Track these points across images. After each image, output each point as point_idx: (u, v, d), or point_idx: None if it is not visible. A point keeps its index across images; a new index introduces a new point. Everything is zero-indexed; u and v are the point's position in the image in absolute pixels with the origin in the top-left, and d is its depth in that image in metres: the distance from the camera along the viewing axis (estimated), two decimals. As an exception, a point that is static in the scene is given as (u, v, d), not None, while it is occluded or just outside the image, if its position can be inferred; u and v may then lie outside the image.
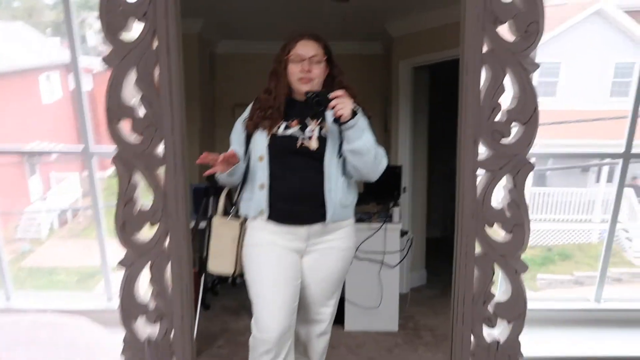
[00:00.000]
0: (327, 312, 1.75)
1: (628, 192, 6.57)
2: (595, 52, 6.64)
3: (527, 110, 1.21)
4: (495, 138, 1.22)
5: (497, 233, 1.31)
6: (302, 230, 1.61)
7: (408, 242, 2.42)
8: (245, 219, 1.64)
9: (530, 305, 2.15)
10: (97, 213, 2.11)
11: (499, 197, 1.32)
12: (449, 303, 1.42)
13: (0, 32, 6.69)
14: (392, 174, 2.45)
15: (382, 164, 1.61)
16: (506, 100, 1.27)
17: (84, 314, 1.85)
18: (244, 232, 1.64)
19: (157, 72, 1.20)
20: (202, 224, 2.40)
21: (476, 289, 1.28)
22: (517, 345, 1.30)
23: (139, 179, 1.23)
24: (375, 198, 2.42)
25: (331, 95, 1.49)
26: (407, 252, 2.43)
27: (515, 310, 1.29)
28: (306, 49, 1.56)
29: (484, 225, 1.26)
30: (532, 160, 1.28)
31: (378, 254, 2.39)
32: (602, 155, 2.46)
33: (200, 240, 2.48)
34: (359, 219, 2.24)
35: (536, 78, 7.45)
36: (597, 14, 6.70)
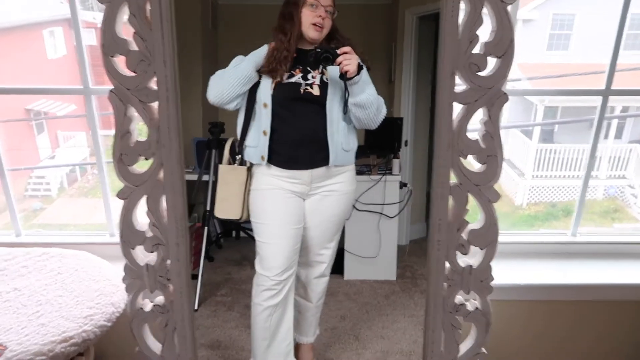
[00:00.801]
0: (326, 254, 1.85)
1: (635, 148, 6.51)
2: (610, 3, 6.44)
3: (503, 43, 1.22)
4: (472, 70, 1.24)
5: (472, 165, 1.35)
6: (305, 174, 1.68)
7: (407, 194, 2.45)
8: (252, 165, 1.70)
9: (509, 238, 2.24)
10: (97, 144, 2.16)
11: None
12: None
13: (0, -14, 6.58)
14: (393, 126, 2.45)
15: (382, 113, 1.68)
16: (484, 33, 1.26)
17: (88, 248, 1.96)
18: (250, 178, 1.71)
19: (148, 7, 1.21)
20: (205, 177, 2.44)
21: (451, 217, 1.33)
22: (489, 270, 1.38)
23: (134, 113, 1.27)
24: (376, 150, 2.44)
25: (339, 51, 1.54)
26: (406, 204, 2.46)
27: (488, 238, 1.35)
28: None
29: (459, 156, 1.29)
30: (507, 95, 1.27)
31: (377, 205, 2.43)
32: (579, 93, 2.42)
33: (204, 193, 2.52)
34: (359, 172, 2.26)
35: (549, 31, 7.25)
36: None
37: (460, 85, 1.26)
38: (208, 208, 2.42)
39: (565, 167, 6.41)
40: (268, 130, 1.62)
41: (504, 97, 1.25)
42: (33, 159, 6.74)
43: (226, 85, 1.59)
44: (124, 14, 1.22)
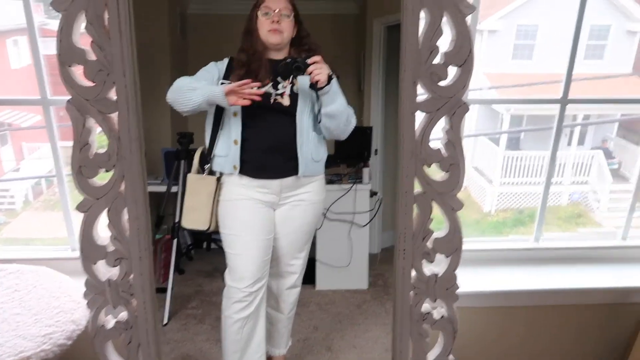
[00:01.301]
0: (297, 264, 1.84)
1: (597, 154, 6.73)
2: (572, 15, 6.67)
3: (462, 53, 1.25)
4: (433, 80, 1.26)
5: (437, 173, 1.37)
6: (275, 184, 1.67)
7: (377, 202, 2.46)
8: (221, 175, 1.68)
9: (473, 245, 2.28)
10: (57, 156, 2.09)
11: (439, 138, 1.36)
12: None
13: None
14: (363, 134, 2.46)
15: (352, 124, 1.69)
16: (446, 43, 1.29)
17: (49, 264, 1.89)
18: (219, 188, 1.69)
19: (106, 15, 1.18)
20: (174, 188, 2.40)
21: (416, 226, 1.34)
22: (454, 278, 1.39)
23: (93, 125, 1.24)
24: (346, 159, 2.44)
25: (309, 60, 1.54)
26: (377, 212, 2.47)
27: (452, 245, 1.37)
28: (274, 2, 1.60)
29: (423, 165, 1.31)
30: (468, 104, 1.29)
31: (348, 214, 2.43)
32: (540, 101, 2.51)
33: (173, 204, 2.48)
34: (329, 181, 2.26)
35: (513, 41, 7.46)
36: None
37: (422, 95, 1.28)
38: (177, 220, 2.38)
39: (531, 173, 6.57)
40: (239, 140, 1.61)
41: (464, 107, 1.28)
42: (-5, 170, 6.52)
43: (179, 101, 1.57)
44: (81, 23, 1.19)
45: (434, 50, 1.24)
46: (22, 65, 7.10)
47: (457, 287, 1.39)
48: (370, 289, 2.52)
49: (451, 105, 1.28)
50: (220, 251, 2.11)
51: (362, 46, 2.70)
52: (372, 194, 2.46)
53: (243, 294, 1.66)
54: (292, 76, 1.62)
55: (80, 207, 1.27)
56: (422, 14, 1.26)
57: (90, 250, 1.29)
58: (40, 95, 2.02)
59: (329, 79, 1.55)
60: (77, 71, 1.24)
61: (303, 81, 1.60)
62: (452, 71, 1.30)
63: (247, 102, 1.52)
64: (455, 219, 1.34)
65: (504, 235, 5.67)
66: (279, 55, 1.63)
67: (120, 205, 1.27)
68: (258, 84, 1.53)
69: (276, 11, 1.58)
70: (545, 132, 6.62)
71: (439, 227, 1.38)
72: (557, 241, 2.40)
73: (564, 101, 2.16)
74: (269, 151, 1.64)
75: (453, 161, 1.30)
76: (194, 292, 2.48)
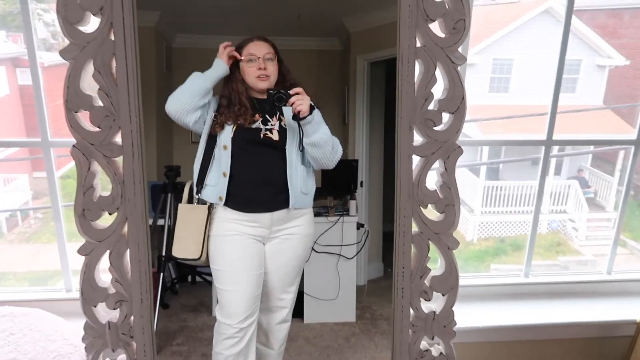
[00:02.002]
0: (287, 298, 1.85)
1: (573, 183, 6.90)
2: (545, 49, 6.94)
3: (455, 100, 1.32)
4: (428, 125, 1.32)
5: (433, 213, 1.40)
6: (265, 217, 1.69)
7: (364, 234, 2.48)
8: (211, 205, 1.69)
9: (465, 281, 2.31)
10: (55, 196, 2.06)
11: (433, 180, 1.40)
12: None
13: (-60, 25, 6.34)
14: (348, 167, 2.49)
15: (338, 152, 1.74)
16: (439, 90, 1.35)
17: (42, 305, 1.84)
18: (210, 222, 1.69)
19: (114, 64, 1.22)
20: (160, 221, 2.37)
21: (414, 265, 1.37)
22: (451, 315, 1.41)
23: (97, 168, 1.24)
24: (333, 192, 2.46)
25: (291, 91, 1.60)
26: (363, 245, 2.48)
27: (449, 284, 1.39)
28: (258, 47, 1.66)
29: (419, 206, 1.34)
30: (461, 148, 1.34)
31: (335, 247, 2.43)
32: (526, 142, 2.62)
33: (159, 238, 2.45)
34: (317, 213, 2.27)
35: (489, 74, 7.70)
36: (547, 13, 7.00)
37: (417, 139, 1.33)
38: (163, 253, 2.35)
39: (511, 203, 6.69)
40: (228, 172, 1.63)
41: (458, 150, 1.33)
42: (-33, 202, 6.34)
43: (185, 101, 1.59)
44: (89, 70, 1.21)
45: (429, 97, 1.31)
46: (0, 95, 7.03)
47: (455, 324, 1.41)
48: (358, 321, 2.51)
49: (446, 149, 1.33)
50: (206, 284, 2.09)
51: (346, 81, 2.76)
52: (359, 226, 2.48)
53: (234, 330, 1.65)
54: (277, 114, 1.67)
55: (81, 250, 1.26)
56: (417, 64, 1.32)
57: (91, 293, 1.27)
58: (41, 137, 2.01)
59: (311, 109, 1.59)
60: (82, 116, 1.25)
61: (288, 113, 1.65)
62: (446, 116, 1.35)
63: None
64: (451, 258, 1.37)
65: (486, 264, 5.72)
66: (263, 94, 1.66)
67: (123, 247, 1.27)
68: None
69: (261, 57, 1.63)
70: (524, 162, 6.77)
71: (432, 265, 1.40)
72: (546, 276, 2.44)
73: (548, 142, 2.25)
74: (259, 185, 1.66)
75: (448, 202, 1.35)
76: (179, 327, 2.42)
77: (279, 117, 1.67)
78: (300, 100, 1.58)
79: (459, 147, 1.34)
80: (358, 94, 2.69)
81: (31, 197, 7.25)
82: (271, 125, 1.67)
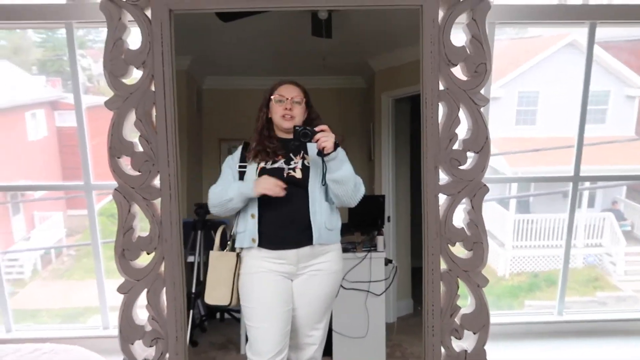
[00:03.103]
0: (316, 335, 1.83)
1: (608, 216, 6.69)
2: (571, 81, 6.90)
3: (479, 140, 1.33)
4: (453, 165, 1.33)
5: (461, 251, 1.39)
6: (291, 254, 1.70)
7: (392, 270, 2.45)
8: (241, 250, 1.73)
9: (497, 319, 2.23)
10: (95, 237, 2.13)
11: (460, 218, 1.40)
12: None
13: (-15, 70, 6.76)
14: (375, 203, 2.49)
15: (360, 191, 1.76)
16: (463, 130, 1.37)
17: (81, 343, 1.87)
18: (240, 263, 1.73)
19: (154, 112, 1.29)
20: (190, 258, 2.41)
21: (443, 303, 1.35)
22: (483, 354, 1.38)
23: (137, 210, 1.29)
24: (360, 228, 2.46)
25: (317, 128, 1.64)
26: (392, 281, 2.45)
27: (480, 322, 1.37)
28: (288, 90, 1.74)
29: (447, 244, 1.34)
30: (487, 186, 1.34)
31: (364, 283, 2.41)
32: (553, 179, 2.57)
33: (189, 275, 2.48)
34: (344, 249, 2.27)
35: (515, 107, 7.66)
36: (571, 45, 7.00)
37: (443, 178, 1.34)
38: (193, 290, 2.37)
39: (543, 236, 6.51)
40: (256, 214, 1.68)
41: (484, 188, 1.33)
42: (7, 240, 6.56)
43: (225, 212, 1.69)
44: (131, 119, 1.28)
45: (453, 137, 1.33)
46: (38, 137, 7.36)
47: None
48: (388, 360, 2.45)
49: (472, 187, 1.34)
50: (234, 322, 2.09)
51: (371, 118, 2.80)
52: (387, 262, 2.46)
53: None
54: (301, 152, 1.71)
55: (121, 289, 1.30)
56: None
57: (129, 331, 1.31)
58: (84, 180, 2.09)
59: (336, 146, 1.63)
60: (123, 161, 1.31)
61: (313, 150, 1.69)
62: (471, 155, 1.36)
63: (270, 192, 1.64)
64: (481, 296, 1.35)
65: (519, 300, 5.54)
66: (288, 134, 1.72)
67: (160, 286, 1.31)
68: (283, 185, 1.64)
69: (289, 99, 1.71)
70: (554, 194, 6.63)
71: (461, 303, 1.38)
72: (581, 314, 2.35)
73: (575, 179, 2.21)
74: (285, 223, 1.70)
75: (476, 240, 1.34)
76: (208, 365, 2.41)
77: (302, 155, 1.72)
78: (326, 137, 1.63)
79: (485, 185, 1.35)
80: (383, 131, 2.72)
81: (65, 234, 7.46)
82: (294, 164, 1.72)
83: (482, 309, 1.36)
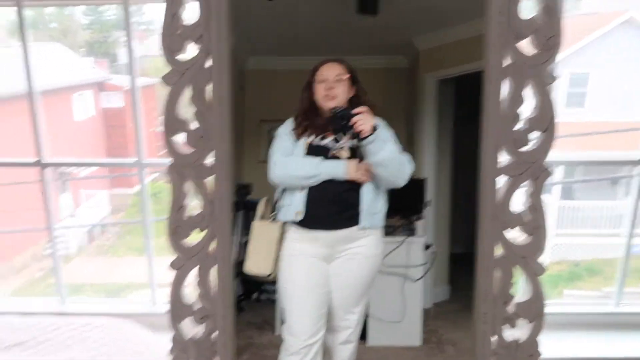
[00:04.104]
0: (352, 319, 1.81)
1: (663, 204, 6.36)
2: (625, 62, 6.54)
3: (545, 120, 1.27)
4: (515, 145, 1.27)
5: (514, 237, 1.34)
6: (328, 236, 1.69)
7: (432, 255, 2.41)
8: (285, 223, 1.72)
9: (551, 309, 2.16)
10: (146, 215, 2.20)
11: (516, 202, 1.35)
12: (472, 318, 1.43)
13: (38, 53, 6.99)
14: (416, 186, 2.45)
15: (407, 169, 1.70)
16: (525, 110, 1.30)
17: (132, 318, 1.94)
18: (283, 234, 1.73)
19: (208, 89, 1.29)
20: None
21: (497, 290, 1.31)
22: (536, 344, 1.34)
23: (189, 188, 1.32)
24: (399, 211, 2.42)
25: (354, 111, 1.60)
26: (431, 266, 2.41)
27: (535, 310, 1.33)
28: (329, 70, 1.69)
29: (504, 228, 1.29)
30: (552, 168, 1.30)
31: (401, 267, 2.38)
32: (619, 163, 2.44)
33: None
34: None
35: (565, 89, 7.34)
36: (628, 23, 6.61)
37: (503, 160, 1.29)
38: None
39: (587, 224, 6.28)
40: (306, 189, 1.66)
41: (547, 172, 1.28)
42: (55, 217, 6.83)
43: (293, 183, 1.67)
44: (185, 96, 1.30)
45: (516, 117, 1.27)
46: (86, 117, 7.60)
47: (540, 354, 1.33)
48: (424, 345, 2.43)
49: (534, 170, 1.28)
50: (270, 302, 2.11)
51: (413, 99, 2.74)
52: (426, 247, 2.42)
53: (299, 346, 1.67)
54: (346, 132, 1.65)
55: (173, 265, 1.34)
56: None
57: (178, 309, 1.34)
58: (137, 158, 2.15)
59: (374, 129, 1.59)
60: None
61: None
62: (533, 136, 1.31)
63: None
64: (538, 284, 1.31)
65: (559, 289, 5.39)
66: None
67: (210, 264, 1.33)
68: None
69: (330, 78, 1.67)
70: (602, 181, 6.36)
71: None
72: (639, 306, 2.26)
73: None
74: (328, 202, 1.68)
75: (536, 224, 1.29)
76: (246, 344, 2.46)
77: (352, 135, 1.66)
78: (362, 121, 1.58)
79: (548, 168, 1.29)
80: (427, 112, 2.65)
81: (109, 212, 7.73)
82: (342, 143, 1.69)
83: (538, 297, 1.32)
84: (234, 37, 2.04)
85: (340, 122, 1.61)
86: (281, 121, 1.81)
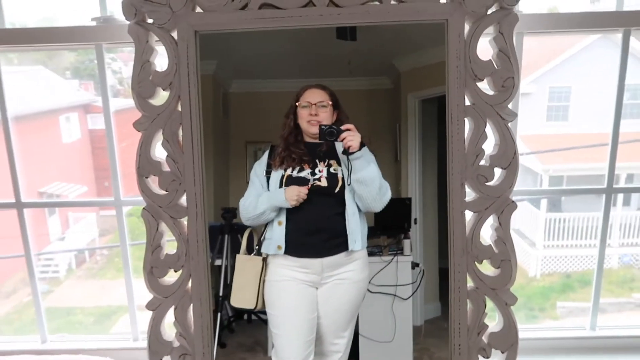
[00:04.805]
0: (341, 343, 1.82)
1: (645, 214, 6.46)
2: (605, 75, 6.67)
3: (507, 156, 1.30)
4: (480, 181, 1.30)
5: (488, 268, 1.35)
6: (316, 263, 1.70)
7: (420, 274, 2.42)
8: (267, 256, 1.72)
9: (526, 334, 2.17)
10: (126, 256, 2.18)
11: (487, 235, 1.37)
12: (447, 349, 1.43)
13: (22, 76, 6.98)
14: (402, 205, 2.46)
15: (387, 195, 1.73)
16: (488, 146, 1.33)
17: (112, 354, 1.92)
18: (265, 268, 1.73)
19: (180, 132, 1.31)
20: (218, 261, 2.43)
21: (470, 321, 1.32)
22: None
23: (165, 228, 1.32)
24: (386, 231, 2.43)
25: (343, 127, 1.64)
26: (419, 284, 2.42)
27: (508, 341, 1.34)
28: (313, 95, 1.72)
29: (474, 261, 1.31)
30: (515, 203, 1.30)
31: (390, 287, 2.39)
32: (585, 191, 2.46)
33: (216, 278, 2.50)
34: (370, 253, 2.25)
35: (547, 103, 7.46)
36: (605, 38, 6.76)
37: (470, 194, 1.31)
38: (220, 293, 2.39)
39: (575, 236, 6.34)
40: (283, 220, 1.68)
41: (512, 205, 1.30)
42: (43, 241, 6.77)
43: (258, 224, 1.71)
44: (158, 139, 1.31)
45: (480, 153, 1.30)
46: (72, 139, 7.57)
47: None
48: (416, 365, 2.43)
49: (499, 204, 1.31)
50: (261, 323, 2.10)
51: (397, 118, 2.76)
52: (414, 265, 2.43)
53: None
54: (326, 155, 1.69)
55: (149, 306, 1.33)
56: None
57: (157, 347, 1.34)
58: (114, 197, 2.14)
59: (361, 146, 1.62)
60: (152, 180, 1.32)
61: (340, 151, 1.67)
62: (498, 171, 1.33)
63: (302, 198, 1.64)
64: (509, 314, 1.33)
65: (551, 301, 5.41)
66: (316, 139, 1.69)
67: (187, 303, 1.33)
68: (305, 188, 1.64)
69: (314, 104, 1.70)
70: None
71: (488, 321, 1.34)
72: (616, 329, 2.27)
73: (609, 190, 2.14)
74: (311, 232, 1.69)
75: (504, 257, 1.32)
76: (236, 367, 2.43)
77: (328, 163, 1.70)
78: (351, 136, 1.61)
79: (513, 201, 1.32)
80: (410, 131, 2.68)
81: (98, 234, 7.66)
82: (319, 173, 1.70)
83: (510, 327, 1.33)
84: (216, 61, 2.07)
85: (329, 138, 1.64)
86: (266, 143, 1.82)
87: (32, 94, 6.94)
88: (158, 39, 1.39)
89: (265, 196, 1.69)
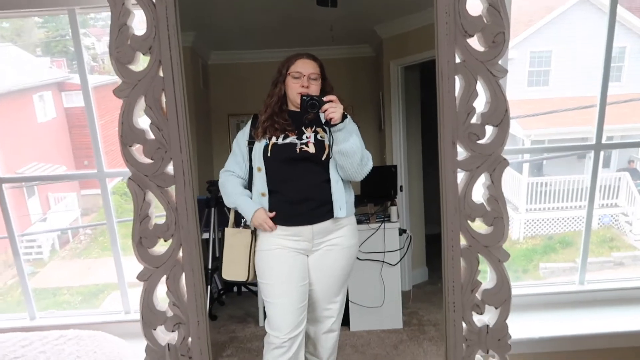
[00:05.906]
0: (333, 308, 1.85)
1: (624, 175, 6.60)
2: (586, 39, 6.69)
3: (498, 113, 1.30)
4: (471, 139, 1.30)
5: (480, 227, 1.37)
6: (306, 230, 1.71)
7: (407, 240, 2.45)
8: (255, 228, 1.72)
9: (518, 291, 2.23)
10: (113, 231, 2.16)
11: (479, 193, 1.38)
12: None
13: (-10, 55, 6.73)
14: (387, 173, 2.47)
15: (368, 166, 1.73)
16: (481, 103, 1.33)
17: (104, 328, 1.91)
18: (255, 240, 1.73)
19: (163, 98, 1.27)
20: (205, 235, 2.42)
21: (464, 279, 1.34)
22: (505, 328, 1.38)
23: (152, 198, 1.29)
24: (373, 199, 2.44)
25: (325, 99, 1.61)
26: (407, 250, 2.45)
27: (501, 296, 1.37)
28: (305, 66, 1.69)
29: (467, 220, 1.32)
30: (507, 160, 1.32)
31: (378, 253, 2.42)
32: (574, 148, 2.50)
33: (204, 251, 2.50)
34: (358, 221, 2.26)
35: (528, 68, 7.48)
36: (586, 1, 6.76)
37: (461, 153, 1.31)
38: (209, 266, 2.40)
39: (557, 199, 6.46)
40: (266, 192, 1.67)
41: (504, 162, 1.31)
42: (24, 222, 6.67)
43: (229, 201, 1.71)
44: (141, 106, 1.27)
45: (471, 111, 1.29)
46: (47, 119, 7.38)
47: (509, 337, 1.38)
48: (405, 328, 2.48)
49: (491, 162, 1.31)
50: (251, 295, 2.11)
51: (380, 87, 2.74)
52: (401, 232, 2.45)
53: (281, 340, 1.69)
54: (313, 125, 1.68)
55: (140, 277, 1.32)
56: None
57: (150, 317, 1.33)
58: (97, 169, 2.10)
59: (344, 117, 1.61)
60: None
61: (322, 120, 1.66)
62: (489, 129, 1.33)
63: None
64: (502, 270, 1.35)
65: (534, 263, 5.55)
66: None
67: (178, 272, 1.32)
68: (274, 226, 1.66)
69: (306, 76, 1.66)
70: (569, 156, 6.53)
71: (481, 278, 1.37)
72: (602, 283, 2.35)
73: (598, 147, 2.16)
74: (300, 200, 1.69)
75: (497, 215, 1.33)
76: (228, 339, 2.45)
77: (314, 129, 1.68)
78: (333, 108, 1.60)
79: (505, 159, 1.32)
80: (393, 99, 2.67)
81: (80, 214, 7.57)
82: (306, 138, 1.68)
83: (503, 283, 1.36)
84: (194, 32, 2.01)
85: (310, 110, 1.61)
86: (248, 115, 1.79)
87: (2, 72, 6.71)
88: (135, 2, 1.34)
89: (240, 200, 1.69)
